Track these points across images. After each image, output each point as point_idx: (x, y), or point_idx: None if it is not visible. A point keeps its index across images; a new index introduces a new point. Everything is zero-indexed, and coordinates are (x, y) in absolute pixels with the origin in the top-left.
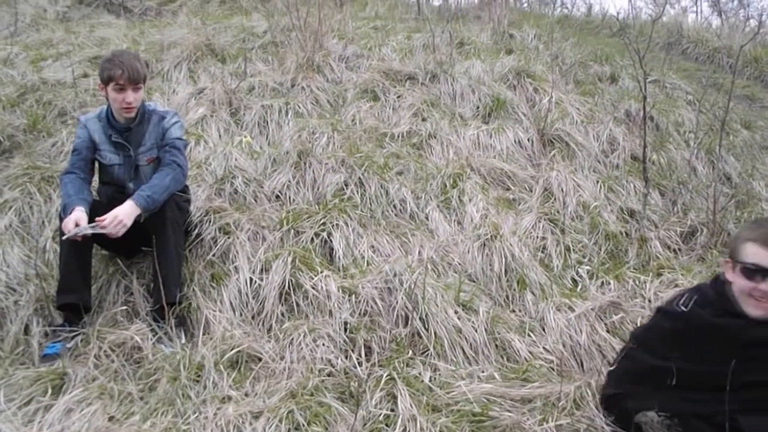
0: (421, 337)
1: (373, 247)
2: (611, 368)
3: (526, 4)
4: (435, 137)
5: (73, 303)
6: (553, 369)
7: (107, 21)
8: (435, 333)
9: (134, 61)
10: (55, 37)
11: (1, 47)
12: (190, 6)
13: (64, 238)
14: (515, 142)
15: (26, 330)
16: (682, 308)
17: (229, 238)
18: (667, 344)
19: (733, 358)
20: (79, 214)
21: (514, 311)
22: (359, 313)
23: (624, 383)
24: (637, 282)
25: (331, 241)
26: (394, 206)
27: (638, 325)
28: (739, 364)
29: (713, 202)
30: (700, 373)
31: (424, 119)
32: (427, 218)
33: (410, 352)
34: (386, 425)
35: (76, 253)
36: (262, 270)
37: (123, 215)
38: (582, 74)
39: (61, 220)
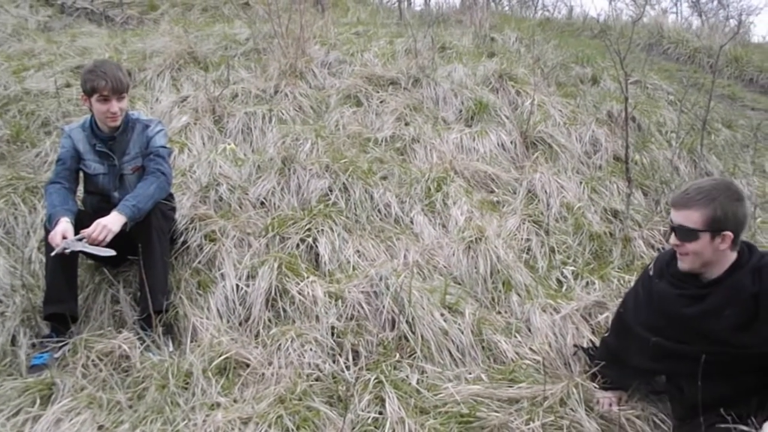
0: (408, 340)
1: (358, 251)
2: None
3: (507, 8)
4: (418, 141)
5: (60, 313)
6: (539, 369)
7: (89, 30)
8: (422, 336)
9: (117, 71)
10: (37, 47)
11: None
12: (172, 14)
13: (52, 254)
14: (498, 144)
15: (13, 341)
16: (650, 272)
17: (214, 245)
18: (638, 308)
19: (673, 324)
20: (65, 225)
21: (500, 313)
22: (346, 318)
23: (612, 344)
24: (621, 282)
25: (316, 246)
26: (379, 211)
27: None
28: (678, 329)
29: None
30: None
31: (407, 124)
32: (411, 222)
33: (397, 355)
34: (375, 428)
35: (62, 263)
36: (248, 276)
37: (109, 225)
38: (564, 76)
39: (47, 230)
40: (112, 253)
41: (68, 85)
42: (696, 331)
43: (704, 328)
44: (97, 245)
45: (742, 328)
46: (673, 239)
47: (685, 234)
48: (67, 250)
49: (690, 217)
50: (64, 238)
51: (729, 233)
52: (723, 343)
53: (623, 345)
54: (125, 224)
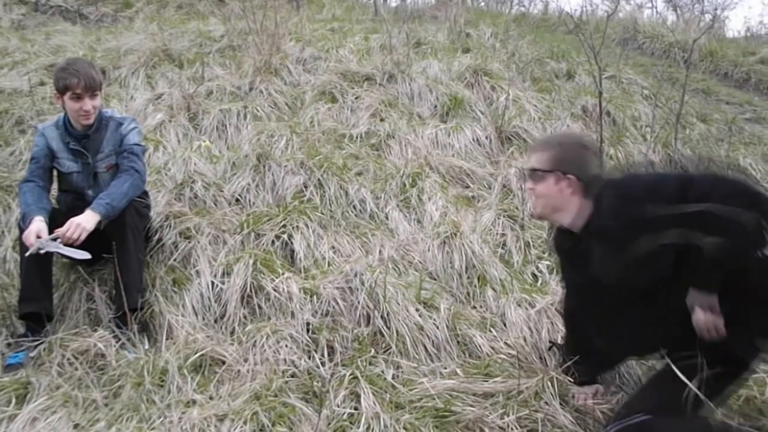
0: (383, 335)
1: (333, 247)
2: None
3: (483, 3)
4: (393, 137)
5: (35, 312)
6: (514, 364)
7: (63, 28)
8: (397, 331)
9: (89, 69)
10: (11, 46)
11: None
12: (147, 12)
13: (26, 254)
14: (473, 140)
15: None
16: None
17: (189, 242)
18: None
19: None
20: (39, 224)
21: (475, 307)
22: (321, 314)
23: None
24: None
25: (291, 243)
26: (354, 207)
27: None
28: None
29: None
30: None
31: (382, 119)
32: (386, 218)
33: (372, 350)
34: (350, 423)
35: (37, 262)
36: (223, 273)
37: (83, 223)
38: (539, 71)
39: (21, 229)
40: (87, 256)
41: (42, 84)
42: (597, 287)
43: (602, 282)
44: (71, 244)
45: (625, 266)
46: (527, 184)
47: (533, 176)
48: (42, 251)
49: (537, 160)
50: (39, 237)
51: (573, 177)
52: (623, 285)
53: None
54: (99, 222)
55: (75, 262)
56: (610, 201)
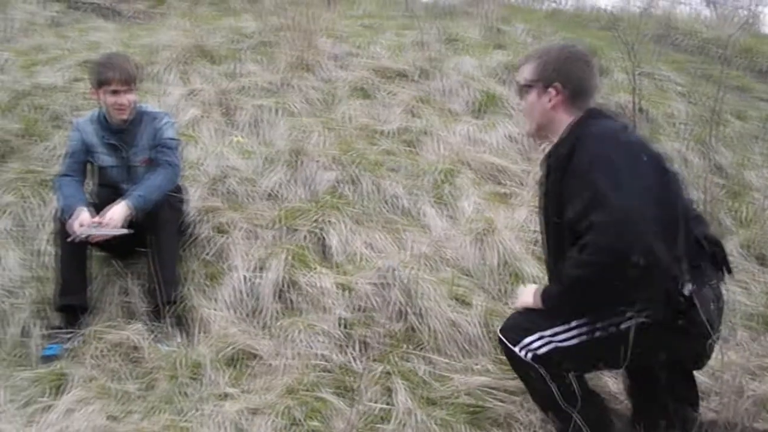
0: (416, 331)
1: (367, 243)
2: None
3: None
4: (427, 133)
5: (71, 304)
6: None
7: (97, 25)
8: (430, 327)
9: (126, 63)
10: (46, 42)
11: None
12: (180, 8)
13: (69, 239)
14: (507, 136)
15: (25, 332)
16: None
17: (224, 237)
18: None
19: None
20: (84, 213)
21: (508, 304)
22: (355, 309)
23: None
24: None
25: (325, 238)
26: (388, 203)
27: None
28: None
29: (706, 193)
30: None
31: (415, 116)
32: (420, 214)
33: (406, 346)
34: (383, 419)
35: (73, 256)
36: (257, 268)
37: (117, 215)
38: None
39: (60, 222)
40: (124, 231)
41: (77, 79)
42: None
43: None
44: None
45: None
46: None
47: (520, 89)
48: (83, 236)
49: (522, 73)
50: (82, 225)
51: (556, 86)
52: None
53: None
54: (133, 214)
55: (111, 254)
56: (579, 141)
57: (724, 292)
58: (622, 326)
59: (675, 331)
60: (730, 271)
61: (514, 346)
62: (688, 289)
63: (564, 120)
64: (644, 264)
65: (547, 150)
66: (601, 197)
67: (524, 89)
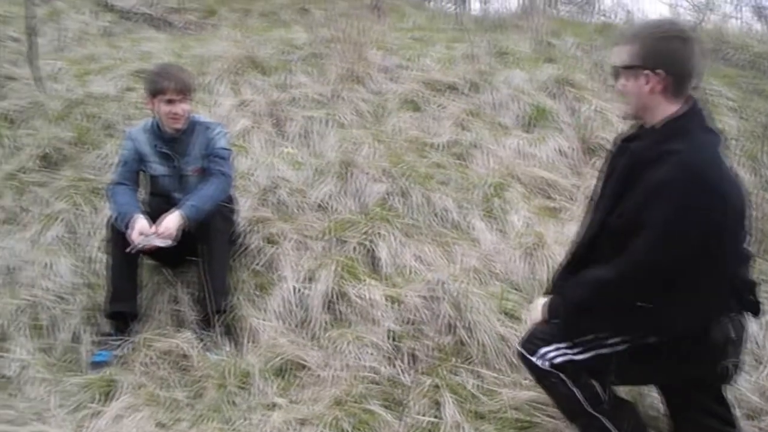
0: (465, 345)
1: (416, 256)
2: None
3: (565, 13)
4: (477, 147)
5: (121, 311)
6: None
7: (149, 35)
8: (479, 341)
9: (181, 73)
10: (99, 52)
11: (47, 62)
12: (231, 19)
13: (128, 250)
14: (557, 150)
15: (75, 338)
16: None
17: (274, 247)
18: None
19: None
20: (143, 222)
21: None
22: (404, 322)
23: None
24: None
25: (375, 250)
26: (437, 216)
27: None
28: None
29: (757, 209)
30: None
31: (465, 129)
32: (470, 227)
33: (454, 359)
34: None
35: (124, 263)
36: (307, 279)
37: (171, 225)
38: None
39: (113, 229)
40: (169, 242)
41: (130, 89)
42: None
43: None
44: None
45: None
46: (615, 82)
47: (616, 72)
48: (141, 246)
49: (617, 54)
50: (141, 234)
51: (657, 70)
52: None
53: None
54: (186, 224)
55: (162, 263)
56: (669, 155)
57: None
58: (631, 345)
59: (682, 354)
60: (756, 315)
61: (532, 355)
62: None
63: (662, 105)
64: (652, 311)
65: (628, 131)
66: (652, 230)
67: (623, 71)
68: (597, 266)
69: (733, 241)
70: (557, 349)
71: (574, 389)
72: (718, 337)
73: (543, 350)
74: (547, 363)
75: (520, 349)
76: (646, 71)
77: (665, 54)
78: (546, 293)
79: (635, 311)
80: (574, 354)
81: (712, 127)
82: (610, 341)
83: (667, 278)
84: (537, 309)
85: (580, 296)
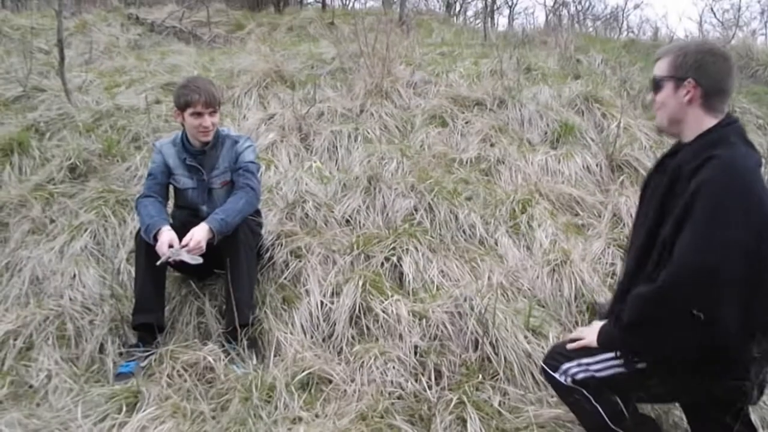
0: (491, 361)
1: (442, 271)
2: None
3: (591, 29)
4: (503, 163)
5: (147, 323)
6: None
7: (177, 48)
8: (505, 358)
9: (210, 87)
10: (128, 65)
11: (76, 74)
12: (258, 33)
13: (158, 263)
14: (584, 167)
15: (101, 349)
16: None
17: (300, 261)
18: None
19: None
20: (171, 234)
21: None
22: (429, 337)
23: None
24: None
25: (401, 265)
26: (464, 231)
27: None
28: None
29: None
30: None
31: (492, 145)
32: (496, 243)
33: (480, 376)
34: None
35: (151, 275)
36: (332, 293)
37: (199, 236)
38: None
39: (141, 240)
40: (199, 261)
41: (158, 102)
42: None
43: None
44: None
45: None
46: (650, 96)
47: (654, 84)
48: (171, 258)
49: (658, 67)
50: (171, 246)
51: (692, 82)
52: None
53: None
54: (213, 237)
55: (187, 275)
56: (710, 162)
57: None
58: (655, 362)
59: (704, 371)
60: None
61: (555, 372)
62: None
63: (699, 118)
64: (705, 320)
65: (671, 147)
66: (693, 230)
67: (660, 83)
68: (648, 282)
69: None
70: (579, 365)
71: (597, 405)
72: (741, 356)
73: (565, 366)
74: (569, 379)
75: (543, 365)
76: (687, 80)
77: (706, 67)
78: (602, 317)
79: (687, 325)
80: (596, 371)
81: (751, 143)
82: (636, 357)
83: (713, 282)
84: (594, 332)
85: (631, 315)
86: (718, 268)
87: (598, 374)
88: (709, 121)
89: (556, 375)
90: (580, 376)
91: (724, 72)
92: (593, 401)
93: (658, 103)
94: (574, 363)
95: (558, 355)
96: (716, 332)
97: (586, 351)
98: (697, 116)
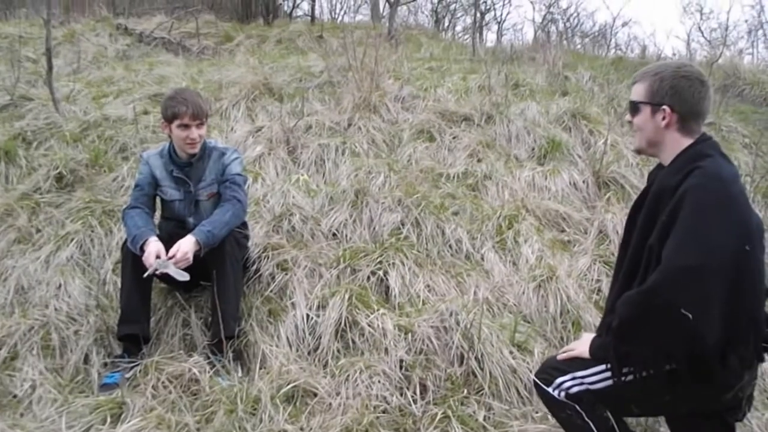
0: (476, 376)
1: (428, 286)
2: None
3: (580, 46)
4: (490, 178)
5: (133, 334)
6: None
7: (166, 59)
8: (490, 372)
9: (197, 98)
10: (116, 75)
11: (64, 84)
12: (247, 45)
13: (145, 275)
14: (570, 183)
15: (86, 359)
16: None
17: (286, 274)
18: None
19: None
20: (158, 245)
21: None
22: (415, 351)
23: None
24: None
25: (387, 279)
26: (450, 246)
27: None
28: None
29: None
30: None
31: (479, 160)
32: (482, 259)
33: (465, 390)
34: None
35: (137, 286)
36: (318, 306)
37: (186, 249)
38: None
39: (127, 253)
40: (186, 277)
41: (146, 112)
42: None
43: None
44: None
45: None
46: (627, 117)
47: (631, 107)
48: (158, 271)
49: (636, 91)
50: (158, 257)
51: (667, 109)
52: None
53: None
54: (199, 249)
55: (173, 286)
56: (692, 174)
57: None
58: (651, 372)
59: (701, 381)
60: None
61: (548, 386)
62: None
63: (676, 139)
64: (693, 320)
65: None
66: (678, 232)
67: (637, 106)
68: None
69: (758, 259)
70: (573, 378)
71: (589, 421)
72: (735, 364)
73: (559, 380)
74: (562, 393)
75: (535, 379)
76: (663, 107)
77: (682, 93)
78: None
79: (674, 325)
80: (591, 383)
81: (727, 157)
82: (631, 369)
83: (699, 281)
84: (584, 343)
85: (621, 315)
86: (704, 268)
87: (592, 387)
88: (686, 142)
89: (550, 389)
90: (574, 390)
91: (700, 96)
92: (585, 417)
93: (635, 126)
94: (569, 377)
95: (551, 370)
96: (702, 332)
97: (580, 364)
98: (674, 138)
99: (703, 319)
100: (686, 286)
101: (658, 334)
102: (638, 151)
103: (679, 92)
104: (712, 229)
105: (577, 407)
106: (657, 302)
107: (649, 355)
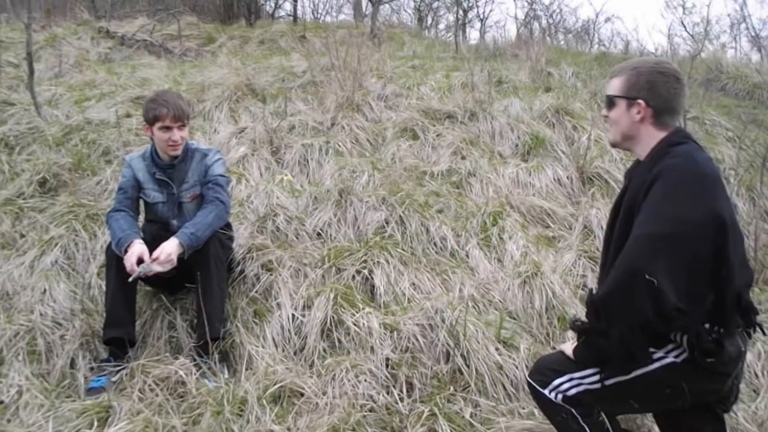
0: (462, 373)
1: (414, 284)
2: None
3: (563, 42)
4: (474, 175)
5: (118, 337)
6: None
7: (148, 62)
8: (476, 369)
9: (178, 100)
10: (98, 78)
11: (46, 88)
12: (230, 46)
13: (130, 279)
14: (554, 179)
15: (72, 364)
16: None
17: (271, 274)
18: None
19: None
20: (141, 247)
21: (554, 348)
22: (401, 350)
23: None
24: None
25: (372, 278)
26: (435, 244)
27: None
28: None
29: (755, 240)
30: None
31: (463, 157)
32: (467, 256)
33: (451, 388)
34: None
35: (122, 289)
36: (304, 306)
37: (169, 251)
38: None
39: (112, 254)
40: (172, 264)
41: (128, 115)
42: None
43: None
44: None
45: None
46: (603, 111)
47: (608, 101)
48: (142, 273)
49: (611, 85)
50: (141, 260)
51: (642, 103)
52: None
53: None
54: (183, 251)
55: (158, 289)
56: (665, 170)
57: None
58: (651, 367)
59: (701, 371)
60: (750, 336)
61: (544, 388)
62: (717, 332)
63: (651, 134)
64: (657, 286)
65: (632, 163)
66: (648, 207)
67: (613, 101)
68: None
69: (735, 245)
70: (570, 379)
71: (585, 426)
72: (732, 350)
73: (556, 382)
74: (559, 396)
75: (530, 381)
76: (639, 100)
77: (657, 88)
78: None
79: (645, 293)
80: (590, 384)
81: (699, 144)
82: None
83: (667, 251)
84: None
85: (605, 287)
86: (672, 238)
87: (592, 386)
88: (660, 135)
89: (545, 391)
90: (572, 392)
91: (675, 92)
92: (581, 421)
93: (611, 120)
94: (565, 378)
95: (547, 371)
96: (665, 302)
97: (576, 364)
98: (649, 132)
99: (665, 282)
100: (648, 252)
101: (631, 302)
102: (613, 145)
103: (654, 87)
104: (682, 205)
105: (573, 411)
106: (630, 272)
107: (626, 330)
